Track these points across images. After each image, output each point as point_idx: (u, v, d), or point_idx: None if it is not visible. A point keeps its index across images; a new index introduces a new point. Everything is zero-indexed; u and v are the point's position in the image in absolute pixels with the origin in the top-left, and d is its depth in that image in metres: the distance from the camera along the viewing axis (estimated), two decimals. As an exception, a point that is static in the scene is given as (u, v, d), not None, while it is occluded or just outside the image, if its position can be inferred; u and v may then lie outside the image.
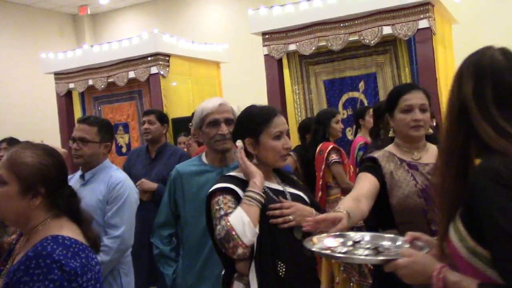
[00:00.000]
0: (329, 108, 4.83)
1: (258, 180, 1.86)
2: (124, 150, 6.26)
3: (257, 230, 1.77)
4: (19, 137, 4.80)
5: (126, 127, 6.28)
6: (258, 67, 5.82)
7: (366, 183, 2.01)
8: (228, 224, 1.75)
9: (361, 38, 4.71)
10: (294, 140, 5.14)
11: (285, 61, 5.33)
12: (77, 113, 6.58)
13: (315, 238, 1.60)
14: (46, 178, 1.57)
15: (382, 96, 4.94)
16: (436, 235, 1.72)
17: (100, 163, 2.69)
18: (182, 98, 6.15)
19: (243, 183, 1.90)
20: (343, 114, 5.12)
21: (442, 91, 4.57)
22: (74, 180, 2.69)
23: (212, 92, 6.59)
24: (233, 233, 1.73)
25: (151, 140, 3.86)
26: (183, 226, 2.39)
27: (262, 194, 1.84)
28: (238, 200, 1.85)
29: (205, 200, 1.94)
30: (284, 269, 1.81)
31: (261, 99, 5.66)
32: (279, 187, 2.00)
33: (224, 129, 2.30)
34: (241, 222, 1.75)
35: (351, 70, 5.08)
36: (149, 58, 5.78)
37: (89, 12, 10.36)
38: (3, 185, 1.54)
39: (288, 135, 2.37)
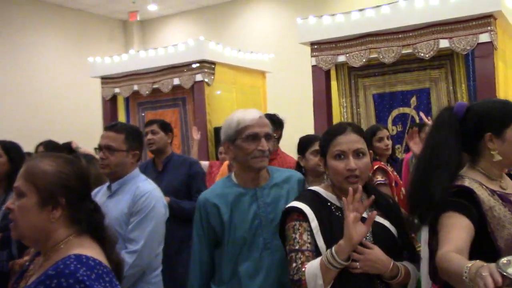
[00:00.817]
0: (373, 125, 4.59)
1: (348, 248, 1.71)
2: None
3: None
4: (64, 140, 4.79)
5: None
6: (305, 78, 5.64)
7: (463, 233, 1.59)
8: (303, 273, 1.75)
9: (416, 51, 4.47)
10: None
11: (333, 73, 5.14)
12: (121, 118, 6.60)
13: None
14: (66, 187, 1.44)
15: (436, 112, 4.66)
16: None
17: (128, 173, 2.53)
18: (225, 107, 6.04)
19: (323, 203, 1.87)
20: (393, 130, 4.87)
21: (502, 110, 4.27)
22: (102, 192, 2.57)
23: (257, 102, 6.46)
24: (305, 285, 1.74)
25: (156, 151, 3.68)
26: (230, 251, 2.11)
27: (344, 263, 1.72)
28: (310, 228, 1.81)
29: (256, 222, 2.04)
30: None
31: (307, 111, 5.53)
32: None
33: (265, 144, 2.08)
34: (314, 280, 1.73)
35: (403, 84, 4.84)
36: (194, 66, 5.71)
37: (138, 19, 10.47)
38: (21, 198, 1.41)
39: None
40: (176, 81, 5.87)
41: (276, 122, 3.91)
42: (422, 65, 4.71)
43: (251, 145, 2.06)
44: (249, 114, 2.11)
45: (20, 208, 1.41)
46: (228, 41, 7.52)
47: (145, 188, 2.50)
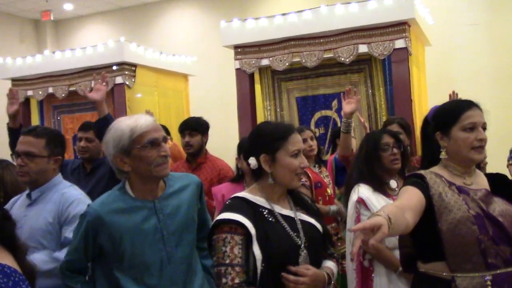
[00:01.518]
0: (297, 127, 4.68)
1: None
2: (84, 162, 5.93)
3: None
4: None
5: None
6: (228, 81, 5.63)
7: (413, 197, 1.79)
8: None
9: (337, 55, 4.60)
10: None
11: (257, 76, 5.17)
12: (35, 122, 6.24)
13: None
14: None
15: (356, 115, 4.82)
16: (493, 268, 1.74)
17: (49, 179, 2.38)
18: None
19: (253, 209, 1.84)
20: (315, 132, 4.97)
21: (417, 114, 4.49)
22: (21, 200, 2.40)
23: (179, 105, 6.37)
24: None
25: (88, 158, 3.56)
26: (119, 268, 1.97)
27: None
28: (248, 238, 1.77)
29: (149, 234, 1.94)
30: None
31: (231, 114, 5.51)
32: (291, 213, 1.91)
33: (167, 149, 1.98)
34: None
35: (325, 88, 4.96)
36: (114, 68, 5.52)
37: (52, 18, 9.98)
38: None
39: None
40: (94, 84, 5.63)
41: (203, 125, 3.87)
42: (342, 69, 4.86)
43: (152, 152, 1.92)
44: (142, 120, 1.96)
45: None
46: (149, 43, 7.35)
47: (72, 194, 2.36)
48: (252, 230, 1.79)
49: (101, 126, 2.77)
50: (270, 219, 1.86)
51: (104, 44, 5.62)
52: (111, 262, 1.97)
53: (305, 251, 1.85)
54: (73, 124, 6.01)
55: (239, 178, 3.24)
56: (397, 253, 2.47)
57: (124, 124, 1.94)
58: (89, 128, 3.52)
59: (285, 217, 1.88)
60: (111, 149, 1.94)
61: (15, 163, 2.42)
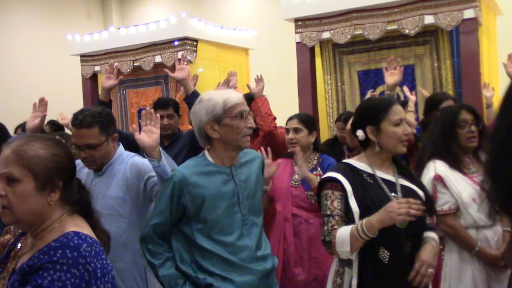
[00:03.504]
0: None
1: (377, 225, 1.89)
2: (148, 136, 6.12)
3: (352, 257, 1.96)
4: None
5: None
6: (288, 55, 5.59)
7: None
8: (333, 237, 1.96)
9: (401, 27, 4.43)
10: (324, 132, 4.94)
11: (317, 50, 5.08)
12: (102, 97, 6.47)
13: None
14: (62, 170, 1.43)
15: (420, 88, 4.67)
16: None
17: (113, 155, 2.49)
18: (208, 84, 5.95)
19: (355, 172, 2.08)
20: (377, 107, 4.87)
21: (486, 87, 4.28)
22: (86, 171, 2.52)
23: (240, 79, 6.37)
24: (334, 247, 1.96)
25: (170, 134, 3.62)
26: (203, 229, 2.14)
27: (369, 235, 1.91)
28: (345, 195, 2.03)
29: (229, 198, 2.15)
30: (388, 256, 1.97)
31: (291, 89, 5.47)
32: (392, 179, 2.12)
33: (252, 121, 2.19)
34: (342, 246, 1.93)
35: (388, 61, 4.81)
36: (176, 43, 5.60)
37: (117, -5, 10.24)
38: (16, 184, 1.37)
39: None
40: (158, 59, 5.75)
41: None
42: (407, 42, 4.69)
43: (240, 123, 2.12)
44: (233, 94, 2.18)
45: (17, 194, 1.37)
46: (210, 17, 7.39)
47: (140, 160, 2.48)
48: (348, 187, 2.03)
49: (191, 101, 2.98)
50: (369, 180, 2.10)
51: (166, 19, 5.70)
52: (191, 223, 2.13)
53: None
54: (138, 99, 6.19)
55: (290, 154, 3.32)
56: (472, 232, 2.53)
57: (217, 96, 2.15)
58: (168, 105, 3.63)
59: (386, 181, 2.11)
60: (203, 117, 2.13)
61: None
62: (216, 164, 2.18)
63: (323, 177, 2.15)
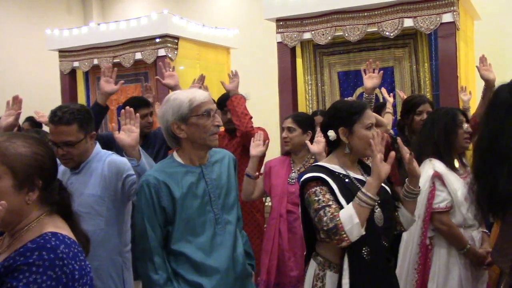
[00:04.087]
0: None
1: (376, 183, 1.97)
2: (127, 133, 6.07)
3: (363, 231, 1.94)
4: (21, 116, 4.61)
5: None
6: (269, 55, 5.61)
7: None
8: (338, 220, 1.93)
9: (380, 29, 4.49)
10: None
11: (298, 50, 5.11)
12: (81, 93, 6.41)
13: None
14: (43, 169, 1.40)
15: (399, 90, 4.73)
16: None
17: (90, 153, 2.47)
18: (189, 82, 5.91)
19: (332, 173, 2.09)
20: (356, 108, 4.91)
21: (463, 90, 4.36)
22: (63, 168, 2.48)
23: (221, 78, 6.32)
24: (342, 229, 1.92)
25: (149, 132, 3.61)
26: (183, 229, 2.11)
27: (375, 198, 1.97)
28: (331, 191, 2.03)
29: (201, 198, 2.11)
30: (369, 253, 2.02)
31: (272, 88, 5.49)
32: (362, 178, 2.16)
33: (219, 119, 2.18)
34: (351, 222, 1.92)
35: (368, 62, 4.86)
36: (157, 40, 5.58)
37: (98, -10, 10.13)
38: None
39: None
40: (138, 56, 5.71)
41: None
42: (386, 44, 4.75)
43: (208, 121, 2.11)
44: (198, 92, 2.16)
45: None
46: (191, 15, 7.36)
47: (117, 157, 2.46)
48: (333, 184, 2.05)
49: None
50: (346, 180, 2.12)
51: (148, 16, 5.66)
52: (167, 225, 2.12)
53: (379, 208, 2.09)
54: (117, 95, 6.12)
55: (288, 152, 3.34)
56: (462, 231, 2.65)
57: (182, 95, 2.13)
58: (149, 103, 3.68)
59: (358, 180, 2.14)
60: (170, 117, 2.11)
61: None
62: (185, 164, 2.16)
63: (305, 177, 2.11)
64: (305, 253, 2.28)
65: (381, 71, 3.35)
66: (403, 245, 2.71)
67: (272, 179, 3.24)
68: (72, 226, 1.48)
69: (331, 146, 2.22)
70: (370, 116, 2.15)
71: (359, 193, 1.98)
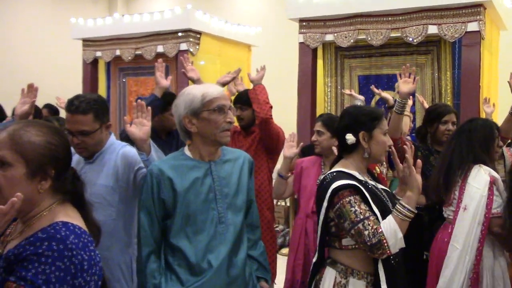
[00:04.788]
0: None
1: (416, 197, 1.99)
2: (144, 125, 6.10)
3: (403, 243, 1.96)
4: (40, 103, 4.67)
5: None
6: (290, 55, 5.59)
7: None
8: (382, 235, 1.91)
9: (404, 35, 4.44)
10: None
11: (320, 52, 5.09)
12: (102, 83, 6.47)
13: None
14: (56, 158, 1.41)
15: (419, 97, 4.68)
16: None
17: (105, 144, 2.48)
18: (209, 78, 5.93)
19: (359, 181, 2.06)
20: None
21: (484, 100, 4.30)
22: (77, 157, 2.50)
23: (241, 75, 6.37)
24: (385, 243, 1.91)
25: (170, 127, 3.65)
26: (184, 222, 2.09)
27: (415, 211, 1.98)
28: (364, 199, 2.00)
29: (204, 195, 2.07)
30: (396, 259, 2.03)
31: (291, 88, 5.47)
32: (374, 183, 2.16)
33: (232, 116, 2.14)
34: (395, 237, 1.92)
35: (389, 68, 4.83)
36: (179, 34, 5.60)
37: (124, -19, 10.21)
38: (7, 168, 1.36)
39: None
40: (160, 49, 5.75)
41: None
42: (409, 50, 4.70)
43: (219, 117, 2.08)
44: (213, 87, 2.13)
45: (8, 178, 1.36)
46: (214, 11, 7.38)
47: (131, 149, 2.46)
48: (365, 191, 2.02)
49: None
50: (369, 186, 2.10)
51: (171, 10, 5.69)
52: (167, 219, 2.10)
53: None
54: (137, 87, 6.19)
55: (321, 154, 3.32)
56: None
57: (196, 90, 2.11)
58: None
59: (374, 186, 2.14)
60: (182, 110, 2.10)
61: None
62: (194, 158, 2.13)
63: (337, 185, 2.03)
64: (314, 260, 2.22)
65: (417, 77, 3.33)
66: (456, 256, 2.61)
67: (303, 179, 3.25)
68: (84, 215, 1.49)
69: (346, 151, 2.19)
70: (386, 123, 2.19)
71: (399, 207, 1.98)
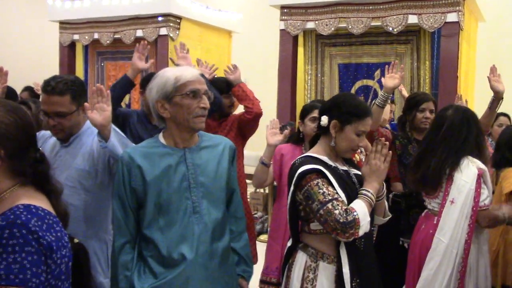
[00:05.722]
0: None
1: (377, 185, 2.07)
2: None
3: (368, 229, 2.00)
4: (16, 86, 4.57)
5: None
6: (271, 42, 5.58)
7: None
8: (356, 214, 1.93)
9: (384, 24, 4.47)
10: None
11: (301, 39, 5.08)
12: (79, 66, 6.36)
13: None
14: (5, 138, 1.35)
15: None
16: None
17: (81, 127, 2.43)
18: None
19: (327, 166, 2.08)
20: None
21: (461, 91, 4.36)
22: (53, 140, 2.45)
23: (221, 61, 6.33)
24: (358, 224, 1.92)
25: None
26: (155, 214, 2.00)
27: (375, 198, 2.06)
28: (330, 184, 2.02)
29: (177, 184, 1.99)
30: (362, 243, 2.07)
31: (271, 75, 5.48)
32: (345, 168, 2.18)
33: (206, 101, 2.01)
34: (365, 219, 1.94)
35: (369, 56, 4.85)
36: (159, 18, 5.53)
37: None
38: None
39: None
40: (139, 33, 5.68)
41: (230, 86, 3.86)
42: (389, 39, 4.73)
43: (193, 102, 1.97)
44: (188, 71, 2.01)
45: None
46: (195, -4, 7.31)
47: None
48: (331, 176, 2.04)
49: None
50: (338, 171, 2.12)
51: (152, -7, 5.62)
52: (139, 209, 2.02)
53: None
54: (116, 72, 6.10)
55: (299, 140, 3.27)
56: None
57: (170, 72, 2.01)
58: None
59: (345, 171, 2.16)
60: (154, 94, 2.00)
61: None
62: (168, 145, 2.03)
63: (303, 169, 2.05)
64: (289, 244, 2.23)
65: (403, 73, 3.33)
66: (442, 250, 2.56)
67: (283, 167, 3.18)
68: (50, 198, 1.44)
69: (320, 131, 2.21)
70: (367, 124, 2.12)
71: (364, 192, 2.04)
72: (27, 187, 1.41)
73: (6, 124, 1.35)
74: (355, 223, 1.92)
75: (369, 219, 1.97)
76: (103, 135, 2.18)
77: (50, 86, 2.30)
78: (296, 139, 3.29)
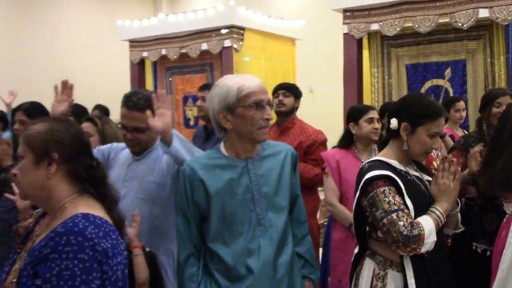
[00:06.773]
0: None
1: (447, 206, 1.96)
2: (192, 123, 6.19)
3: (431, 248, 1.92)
4: (88, 103, 4.76)
5: (195, 100, 6.20)
6: (335, 46, 5.52)
7: None
8: (422, 230, 1.85)
9: (453, 20, 4.28)
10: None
11: (365, 42, 4.98)
12: (149, 82, 6.59)
13: None
14: (58, 142, 1.47)
15: (471, 85, 4.51)
16: None
17: (156, 141, 2.45)
18: (254, 73, 5.91)
19: (397, 171, 2.01)
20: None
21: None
22: (127, 152, 2.51)
23: (286, 69, 6.35)
24: (423, 240, 1.85)
25: (204, 117, 3.62)
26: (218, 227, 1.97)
27: (444, 219, 1.96)
28: (399, 191, 1.94)
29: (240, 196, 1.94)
30: (427, 252, 1.94)
31: (337, 80, 5.41)
32: (418, 174, 2.09)
33: (270, 112, 1.95)
34: (430, 237, 1.86)
35: (438, 55, 4.67)
36: (223, 31, 5.63)
37: (167, -19, 10.35)
38: (21, 160, 1.49)
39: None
40: (204, 46, 5.80)
41: (297, 90, 3.87)
42: (459, 36, 4.53)
43: (256, 113, 1.91)
44: (250, 80, 1.95)
45: (21, 169, 1.48)
46: (257, 6, 7.37)
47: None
48: (401, 183, 1.96)
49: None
50: (408, 177, 2.04)
51: (214, 7, 5.73)
52: (202, 222, 2.01)
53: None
54: (184, 85, 6.27)
55: (348, 143, 3.19)
56: None
57: (232, 81, 1.94)
58: (207, 87, 3.50)
59: (417, 178, 2.07)
60: (216, 105, 1.95)
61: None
62: (230, 156, 1.99)
63: (372, 175, 1.97)
64: (356, 251, 2.16)
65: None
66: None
67: (342, 173, 3.12)
68: (108, 207, 1.52)
69: (389, 134, 2.11)
70: (440, 124, 2.02)
71: (435, 211, 1.94)
72: (85, 197, 1.51)
73: (58, 131, 1.49)
74: (419, 238, 1.85)
75: (435, 238, 1.87)
76: (166, 140, 2.14)
77: (132, 102, 2.34)
78: (347, 142, 3.20)
